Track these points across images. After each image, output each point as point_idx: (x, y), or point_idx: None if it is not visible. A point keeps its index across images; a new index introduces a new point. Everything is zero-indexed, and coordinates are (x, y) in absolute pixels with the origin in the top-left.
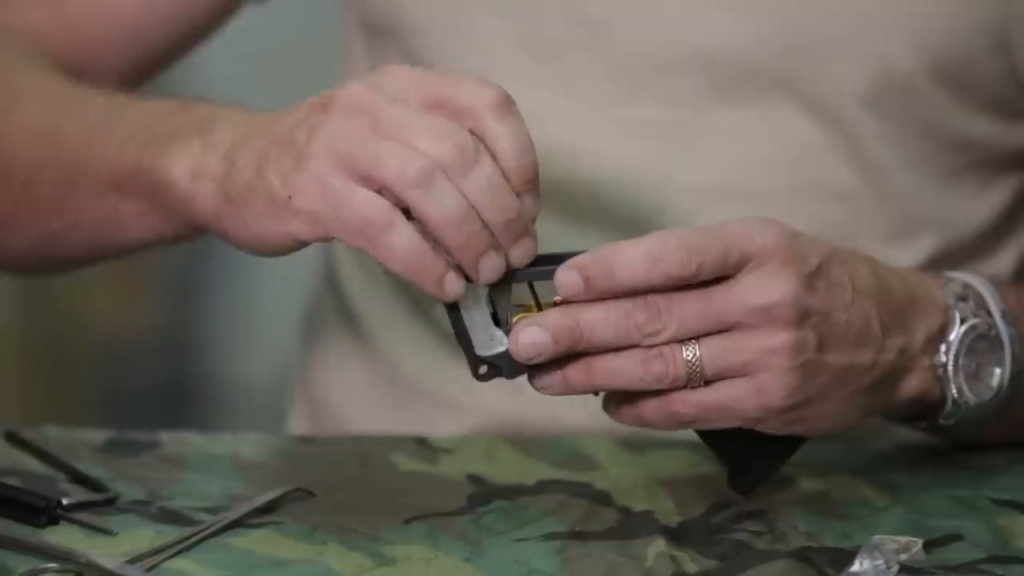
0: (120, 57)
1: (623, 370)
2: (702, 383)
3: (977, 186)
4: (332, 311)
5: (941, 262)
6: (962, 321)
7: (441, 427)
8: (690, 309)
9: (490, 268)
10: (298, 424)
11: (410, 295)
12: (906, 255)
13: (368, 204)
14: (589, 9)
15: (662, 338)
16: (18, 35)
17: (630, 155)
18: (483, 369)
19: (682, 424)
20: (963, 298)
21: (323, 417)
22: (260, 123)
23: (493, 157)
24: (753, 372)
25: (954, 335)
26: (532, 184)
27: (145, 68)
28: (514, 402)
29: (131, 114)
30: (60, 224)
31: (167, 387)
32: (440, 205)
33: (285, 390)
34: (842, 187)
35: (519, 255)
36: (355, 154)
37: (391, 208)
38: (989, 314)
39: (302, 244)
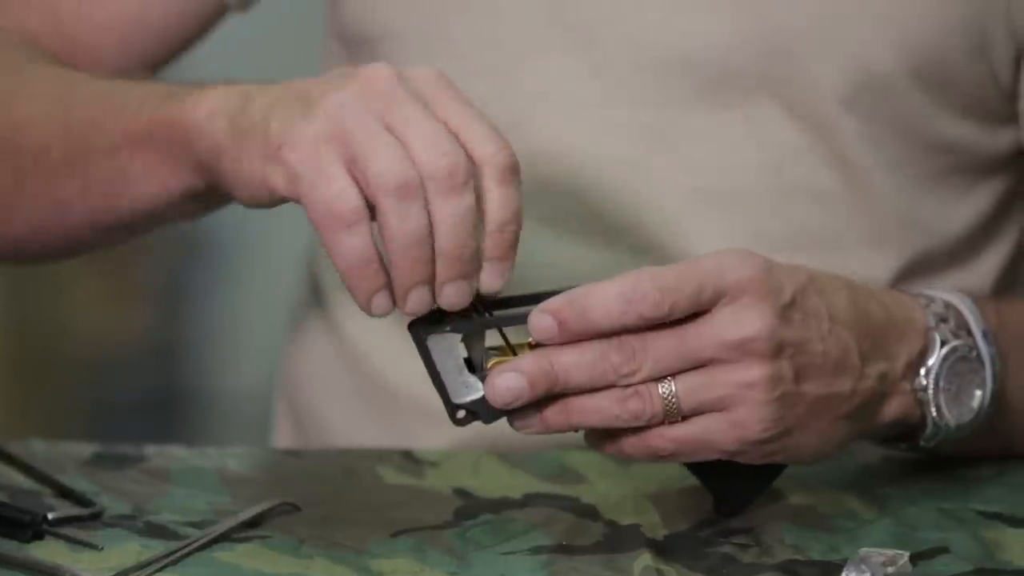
0: (112, 62)
1: (600, 409)
2: (679, 418)
3: (958, 191)
4: (316, 320)
5: (922, 266)
6: (943, 343)
7: (425, 436)
8: (665, 348)
9: (417, 301)
10: (281, 434)
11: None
12: (886, 258)
13: (340, 197)
14: (569, 12)
15: (638, 378)
16: (16, 36)
17: (613, 157)
18: (460, 414)
19: (661, 458)
20: (944, 319)
21: (306, 427)
22: (264, 87)
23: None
24: (730, 406)
25: (934, 358)
26: (506, 254)
27: (136, 73)
28: None
29: (140, 87)
30: (68, 191)
31: (154, 399)
32: (403, 221)
33: (272, 402)
34: (823, 189)
35: (448, 295)
36: (354, 133)
37: (360, 209)
38: (970, 334)
39: (280, 200)
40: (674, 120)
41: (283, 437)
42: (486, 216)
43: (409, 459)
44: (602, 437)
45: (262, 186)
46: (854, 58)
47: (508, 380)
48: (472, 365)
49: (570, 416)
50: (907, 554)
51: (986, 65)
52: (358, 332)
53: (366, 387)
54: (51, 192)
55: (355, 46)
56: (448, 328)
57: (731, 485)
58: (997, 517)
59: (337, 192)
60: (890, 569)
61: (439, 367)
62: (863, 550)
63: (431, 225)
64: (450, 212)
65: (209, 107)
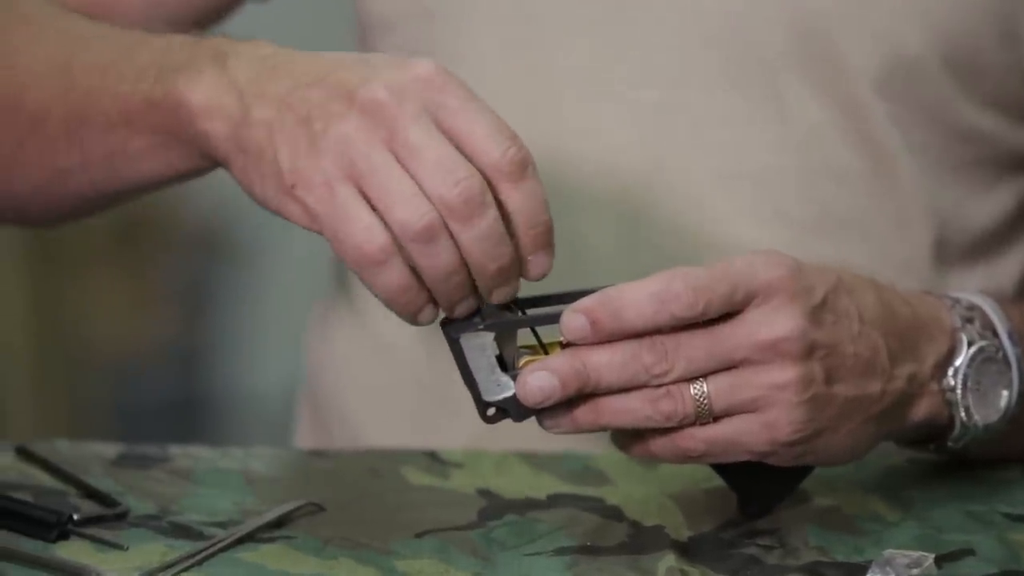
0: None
1: (632, 409)
2: (711, 419)
3: (982, 184)
4: (341, 313)
5: (944, 255)
6: (969, 344)
7: (449, 431)
8: (697, 348)
9: (465, 309)
10: (303, 431)
11: None
12: (909, 243)
13: (369, 239)
14: None
15: (670, 378)
16: None
17: (640, 135)
18: (491, 411)
19: (691, 459)
20: (969, 320)
21: (329, 422)
22: (277, 66)
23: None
24: (762, 407)
25: (962, 359)
26: (543, 246)
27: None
28: None
29: (145, 49)
30: (68, 161)
31: (176, 402)
32: (434, 259)
33: (294, 404)
34: (849, 170)
35: (499, 297)
36: (364, 173)
37: (389, 246)
38: (995, 335)
39: None
40: (701, 99)
41: (305, 437)
42: (512, 218)
43: (434, 460)
44: (630, 439)
45: (278, 212)
46: (884, 40)
47: (540, 379)
48: (503, 363)
49: (600, 416)
50: (932, 556)
51: (1015, 55)
52: (384, 325)
53: (391, 380)
54: (51, 159)
55: (383, 27)
56: (481, 326)
57: (758, 486)
58: (1023, 520)
59: (364, 233)
60: (915, 571)
61: (471, 365)
62: (888, 552)
63: (461, 250)
64: (476, 236)
65: (204, 101)
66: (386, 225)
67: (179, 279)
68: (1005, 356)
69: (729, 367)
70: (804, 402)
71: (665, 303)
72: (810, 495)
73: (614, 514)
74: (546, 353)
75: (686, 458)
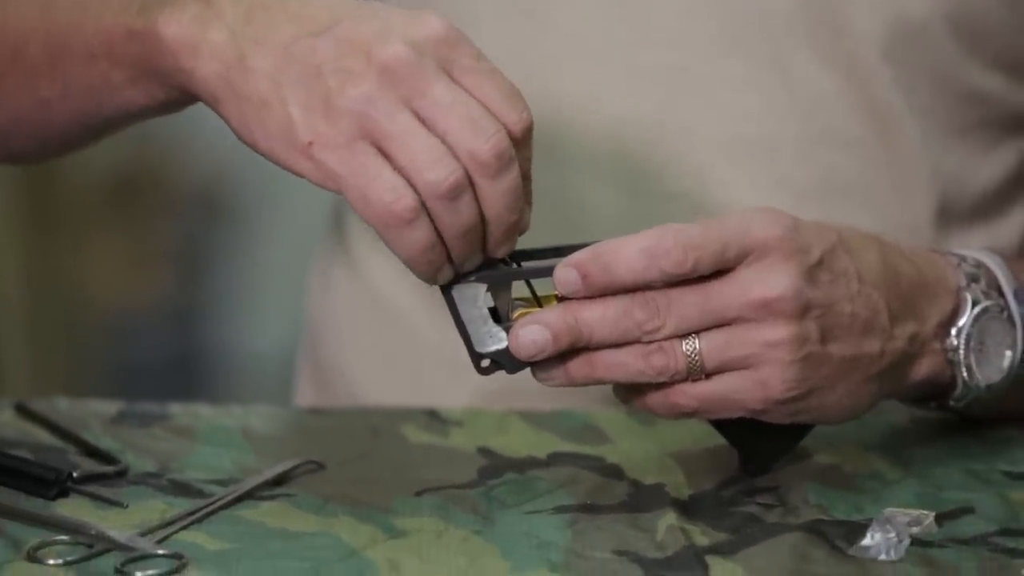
0: None
1: (624, 364)
2: (703, 376)
3: (986, 145)
4: (341, 275)
5: (948, 217)
6: (974, 303)
7: (449, 389)
8: (689, 305)
9: (472, 264)
10: (303, 391)
11: None
12: (913, 207)
13: (398, 199)
14: None
15: (662, 334)
16: None
17: (643, 100)
18: (485, 363)
19: (686, 415)
20: (975, 279)
21: (329, 381)
22: (269, 6)
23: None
24: (754, 365)
25: (965, 319)
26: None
27: None
28: None
29: None
30: (49, 91)
31: (174, 359)
32: (459, 216)
33: (294, 361)
34: (853, 136)
35: (502, 252)
36: (388, 132)
37: (418, 206)
38: (1001, 294)
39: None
40: (705, 64)
41: (305, 393)
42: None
43: (434, 418)
44: (629, 390)
45: (284, 166)
46: (889, 4)
47: (532, 333)
48: (498, 316)
49: (594, 370)
50: (932, 514)
51: (1020, 16)
52: (383, 284)
53: (391, 338)
54: (32, 89)
55: None
56: (474, 278)
57: (757, 443)
58: (1023, 478)
59: (391, 194)
60: (915, 529)
61: (464, 316)
62: (888, 510)
63: (482, 205)
64: (503, 190)
65: (188, 35)
66: (412, 185)
67: (176, 237)
68: (1010, 315)
69: (722, 324)
70: (797, 361)
71: (655, 259)
72: (811, 453)
73: (614, 472)
74: (540, 306)
75: (680, 414)
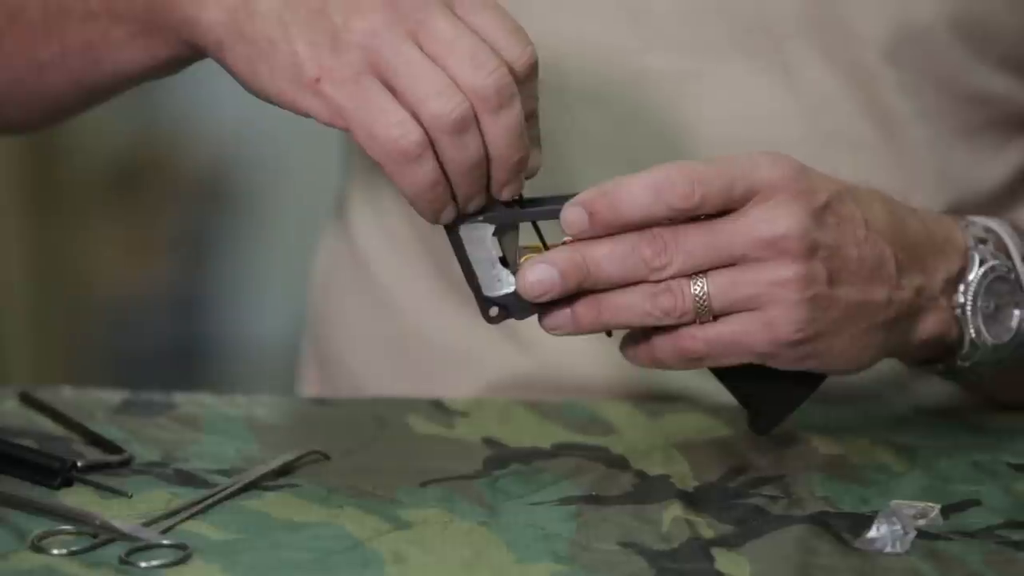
0: None
1: (631, 305)
2: (711, 318)
3: (992, 146)
4: (346, 267)
5: None
6: (981, 263)
7: (454, 384)
8: (696, 242)
9: (477, 204)
10: (308, 383)
11: (428, 251)
12: None
13: (405, 133)
14: None
15: (669, 272)
16: None
17: (649, 104)
18: (493, 311)
19: (694, 362)
20: (983, 241)
21: (334, 375)
22: None
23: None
24: (762, 305)
25: (973, 275)
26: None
27: None
28: (527, 358)
29: None
30: (47, 52)
31: (177, 348)
32: (464, 152)
33: (297, 350)
34: (858, 138)
35: (508, 193)
36: (394, 65)
37: (424, 142)
38: (1009, 257)
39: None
40: (710, 67)
41: (310, 385)
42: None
43: (439, 408)
44: (636, 343)
45: (291, 106)
46: (893, 7)
47: (540, 272)
48: (506, 264)
49: (601, 313)
50: (938, 507)
51: (1022, 16)
52: (388, 274)
53: (394, 329)
54: (28, 52)
55: None
56: (480, 219)
57: (766, 398)
58: None
59: (398, 128)
60: (921, 521)
61: (471, 257)
62: (894, 502)
63: (486, 141)
64: (504, 126)
65: None
66: (417, 119)
67: (180, 226)
68: (1017, 278)
69: (729, 264)
70: (805, 300)
71: (661, 193)
72: (816, 445)
73: (619, 463)
74: (547, 249)
75: (688, 360)
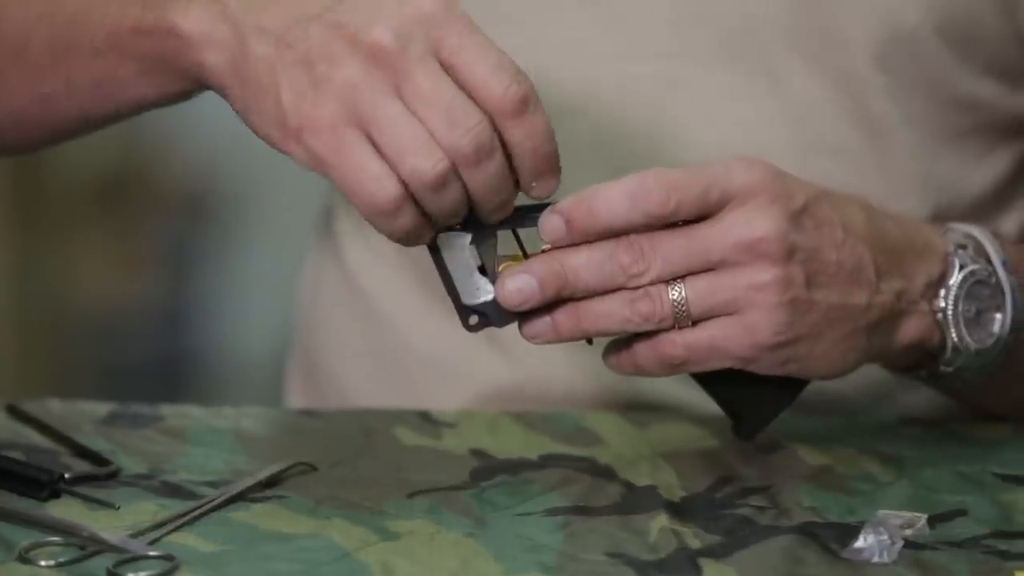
0: None
1: (611, 312)
2: (690, 323)
3: (978, 151)
4: (332, 279)
5: (940, 224)
6: (961, 267)
7: (441, 395)
8: (673, 247)
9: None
10: (294, 394)
11: (414, 263)
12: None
13: (381, 189)
14: None
15: (647, 278)
16: None
17: (634, 110)
18: (473, 319)
19: (674, 367)
20: (963, 246)
21: (320, 385)
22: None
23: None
24: (741, 309)
25: (953, 280)
26: (547, 172)
27: None
28: (513, 370)
29: None
30: (53, 87)
31: (163, 361)
32: (445, 203)
33: (283, 363)
34: (844, 144)
35: (494, 219)
36: (373, 120)
37: (402, 196)
38: (989, 262)
39: None
40: (696, 74)
41: (296, 396)
42: (514, 151)
43: (426, 420)
44: (617, 350)
45: (278, 149)
46: (881, 13)
47: (518, 281)
48: (485, 272)
49: (581, 320)
50: (925, 517)
51: (1011, 22)
52: (375, 286)
53: (381, 341)
54: (34, 85)
55: None
56: (459, 228)
57: (747, 402)
58: (1015, 480)
59: (375, 183)
60: (908, 532)
61: (449, 267)
62: (881, 512)
63: (467, 189)
64: (484, 179)
65: (197, 28)
66: (396, 173)
67: (165, 239)
68: (998, 282)
69: (708, 269)
70: (784, 304)
71: (637, 200)
72: (803, 455)
73: (606, 474)
74: (526, 257)
75: (669, 366)
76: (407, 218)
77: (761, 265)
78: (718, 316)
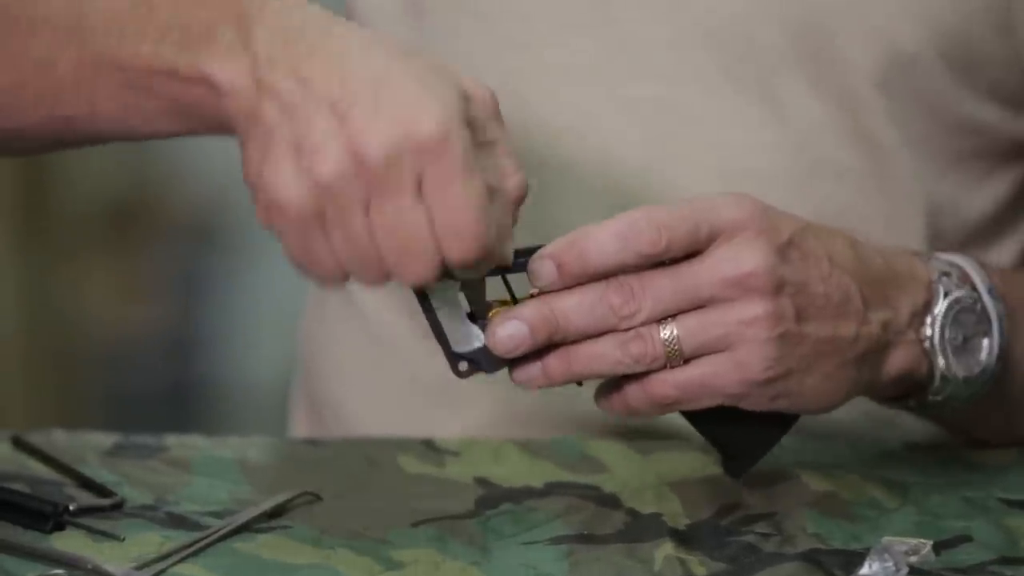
0: None
1: (602, 354)
2: (682, 362)
3: (979, 174)
4: (336, 305)
5: (938, 247)
6: (946, 294)
7: (444, 421)
8: (663, 286)
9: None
10: (298, 422)
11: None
12: (904, 236)
13: (333, 286)
14: None
15: (638, 319)
16: None
17: (635, 134)
18: (463, 366)
19: (666, 407)
20: (947, 273)
21: (324, 413)
22: (303, 44)
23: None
24: (731, 346)
25: (939, 308)
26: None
27: None
28: (517, 395)
29: (163, 3)
30: (75, 110)
31: (171, 390)
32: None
33: (288, 393)
34: (846, 167)
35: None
36: (335, 225)
37: (347, 283)
38: (974, 289)
39: None
40: (696, 96)
41: (300, 426)
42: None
43: (430, 448)
44: (609, 392)
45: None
46: (881, 36)
47: (509, 328)
48: (475, 319)
49: (572, 364)
50: (930, 543)
51: (1011, 46)
52: (379, 315)
53: (386, 370)
54: (55, 106)
55: (374, 21)
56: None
57: (738, 439)
58: (1020, 505)
59: (325, 276)
60: (913, 558)
61: (439, 314)
62: (886, 539)
63: None
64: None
65: (229, 81)
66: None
67: (172, 267)
68: (984, 308)
69: (698, 306)
70: (774, 338)
71: (628, 241)
72: (807, 481)
73: (611, 502)
74: (516, 303)
75: (661, 406)
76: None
77: (750, 299)
78: (709, 353)
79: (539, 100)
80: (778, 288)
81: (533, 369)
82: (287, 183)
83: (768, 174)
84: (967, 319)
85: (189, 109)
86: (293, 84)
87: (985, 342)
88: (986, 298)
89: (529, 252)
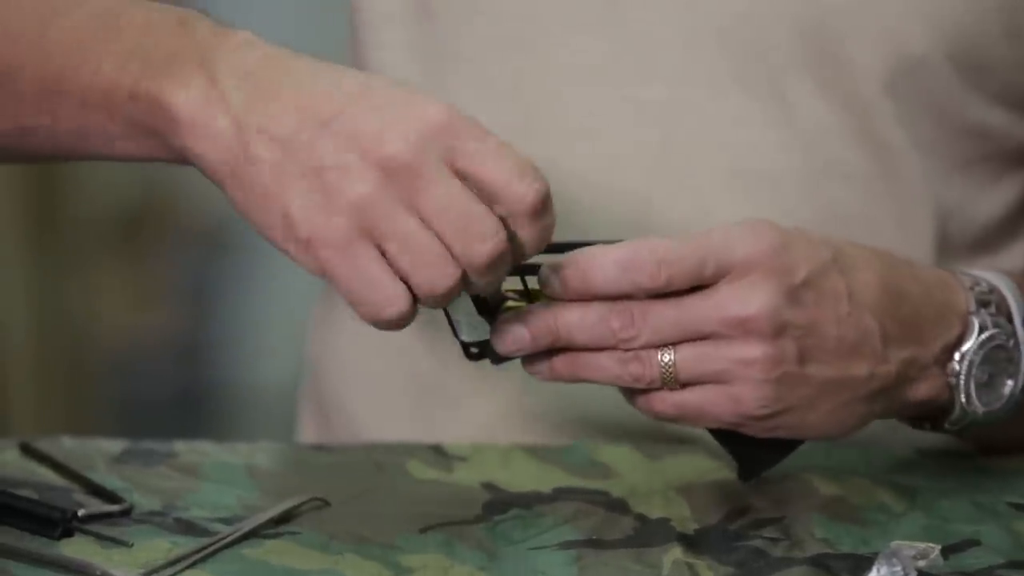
0: None
1: (604, 367)
2: (678, 386)
3: (987, 179)
4: (345, 310)
5: (948, 252)
6: (981, 330)
7: (452, 423)
8: (664, 318)
9: None
10: (306, 427)
11: None
12: (912, 240)
13: (392, 307)
14: None
15: (637, 343)
16: None
17: (644, 135)
18: (474, 350)
19: (667, 420)
20: (985, 304)
21: (331, 417)
22: (270, 88)
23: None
24: (728, 381)
25: (970, 344)
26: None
27: None
28: (531, 395)
29: (128, 26)
30: (35, 122)
31: (180, 396)
32: (443, 303)
33: (298, 398)
34: (854, 169)
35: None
36: (387, 235)
37: (410, 312)
38: (1010, 320)
39: None
40: (706, 99)
41: (307, 429)
42: (525, 246)
43: (438, 453)
44: (624, 389)
45: (280, 251)
46: (890, 39)
47: (513, 332)
48: (489, 306)
49: (576, 370)
50: (938, 547)
51: (1020, 50)
52: None
53: (394, 374)
54: (16, 117)
55: (380, 23)
56: None
57: (748, 450)
58: None
59: (386, 300)
60: (921, 562)
61: (451, 306)
62: (894, 543)
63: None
64: (489, 283)
65: (193, 117)
66: (407, 285)
67: (182, 273)
68: (1017, 343)
69: (698, 338)
70: (771, 380)
71: (628, 272)
72: (815, 485)
73: (619, 507)
74: (530, 300)
75: (663, 419)
76: (406, 320)
77: (750, 341)
78: (706, 383)
79: (548, 100)
80: (779, 332)
81: (541, 365)
82: (321, 213)
83: (778, 175)
84: (997, 356)
85: (151, 137)
86: (280, 116)
87: (1009, 382)
88: (1020, 332)
89: (554, 248)
